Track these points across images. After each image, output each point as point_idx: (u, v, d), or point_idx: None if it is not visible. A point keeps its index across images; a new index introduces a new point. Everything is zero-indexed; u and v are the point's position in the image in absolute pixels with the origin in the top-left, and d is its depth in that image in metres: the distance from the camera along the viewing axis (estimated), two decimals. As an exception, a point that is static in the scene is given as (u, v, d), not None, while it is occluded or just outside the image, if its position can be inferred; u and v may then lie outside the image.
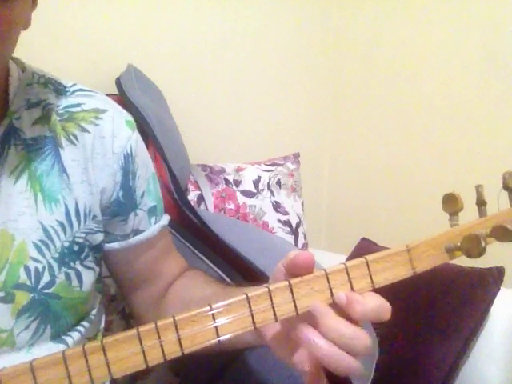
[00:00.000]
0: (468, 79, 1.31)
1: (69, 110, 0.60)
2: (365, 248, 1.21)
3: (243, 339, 0.50)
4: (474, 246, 0.41)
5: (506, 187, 0.45)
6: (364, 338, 0.40)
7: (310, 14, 1.58)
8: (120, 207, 0.63)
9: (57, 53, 1.12)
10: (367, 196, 1.57)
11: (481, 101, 1.28)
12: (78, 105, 0.61)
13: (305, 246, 1.27)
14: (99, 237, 0.62)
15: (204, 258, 0.92)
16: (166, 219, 0.69)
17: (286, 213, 1.25)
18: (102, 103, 0.63)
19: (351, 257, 1.21)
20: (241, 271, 0.89)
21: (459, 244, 0.42)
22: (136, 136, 0.64)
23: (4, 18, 0.48)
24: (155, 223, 0.67)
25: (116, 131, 0.61)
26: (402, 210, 1.47)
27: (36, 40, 1.02)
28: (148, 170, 0.67)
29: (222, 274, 0.89)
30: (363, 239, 1.24)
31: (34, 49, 0.99)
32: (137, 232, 0.65)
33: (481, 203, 0.45)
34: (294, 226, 1.25)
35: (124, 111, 0.65)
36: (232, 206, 1.19)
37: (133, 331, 0.37)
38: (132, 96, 1.03)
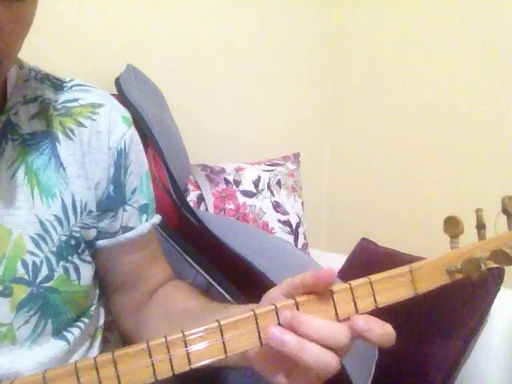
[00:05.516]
0: (467, 80, 1.31)
1: (66, 104, 0.60)
2: (365, 248, 1.21)
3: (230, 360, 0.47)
4: (474, 269, 0.43)
5: (504, 211, 0.46)
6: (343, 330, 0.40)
7: (310, 14, 1.58)
8: (110, 202, 0.62)
9: (56, 53, 1.12)
10: (367, 196, 1.57)
11: (480, 104, 1.29)
12: (75, 100, 0.61)
13: (305, 246, 1.27)
14: (93, 232, 0.62)
15: (194, 263, 0.91)
16: (157, 218, 0.68)
17: (285, 213, 1.25)
18: (99, 98, 0.63)
19: (351, 257, 1.21)
20: (240, 272, 0.89)
21: (460, 267, 0.44)
22: (131, 132, 0.64)
23: (23, 16, 0.48)
24: (146, 221, 0.66)
25: (112, 126, 0.61)
26: (402, 210, 1.48)
27: (36, 40, 1.01)
28: (142, 167, 0.66)
29: (211, 280, 0.88)
30: (363, 239, 1.24)
31: (33, 49, 0.98)
32: (126, 229, 0.64)
33: (480, 226, 0.46)
34: (293, 226, 1.26)
35: (121, 106, 0.65)
36: (232, 206, 1.19)
37: (143, 345, 0.38)
38: (131, 96, 1.03)
